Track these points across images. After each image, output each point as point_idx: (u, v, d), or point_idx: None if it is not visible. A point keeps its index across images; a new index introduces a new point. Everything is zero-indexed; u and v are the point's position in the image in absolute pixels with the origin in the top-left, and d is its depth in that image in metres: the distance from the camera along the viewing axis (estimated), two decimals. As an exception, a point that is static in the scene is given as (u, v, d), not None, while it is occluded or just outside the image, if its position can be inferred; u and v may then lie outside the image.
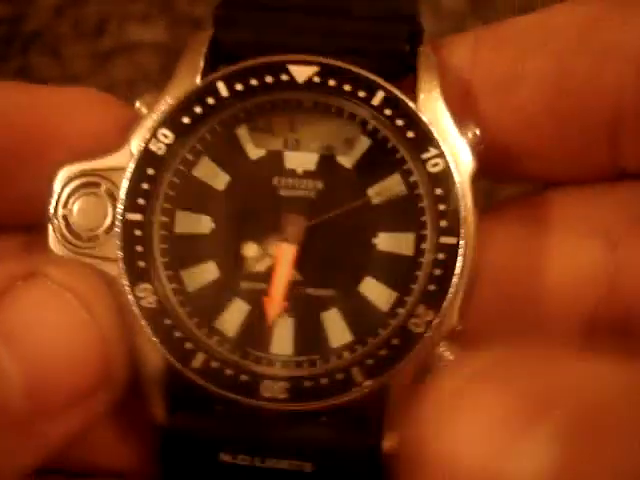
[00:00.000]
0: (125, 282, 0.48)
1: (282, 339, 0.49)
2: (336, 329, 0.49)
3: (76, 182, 0.49)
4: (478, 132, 0.49)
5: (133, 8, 0.93)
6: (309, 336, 0.49)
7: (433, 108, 0.49)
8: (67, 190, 0.49)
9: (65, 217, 0.49)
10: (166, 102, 0.49)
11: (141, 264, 0.48)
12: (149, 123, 0.49)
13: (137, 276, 0.48)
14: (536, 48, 0.49)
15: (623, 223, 0.51)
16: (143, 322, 0.47)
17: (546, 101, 0.49)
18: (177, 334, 0.47)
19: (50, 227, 0.49)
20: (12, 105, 0.51)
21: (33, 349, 0.44)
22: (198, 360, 0.47)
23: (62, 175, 0.49)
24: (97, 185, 0.49)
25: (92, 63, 0.89)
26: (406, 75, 0.51)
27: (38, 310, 0.45)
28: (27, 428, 0.44)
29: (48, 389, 0.44)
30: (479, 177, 0.49)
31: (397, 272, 0.49)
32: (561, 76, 0.48)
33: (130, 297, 0.47)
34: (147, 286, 0.48)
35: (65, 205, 0.49)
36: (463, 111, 0.50)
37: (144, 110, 0.50)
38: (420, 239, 0.48)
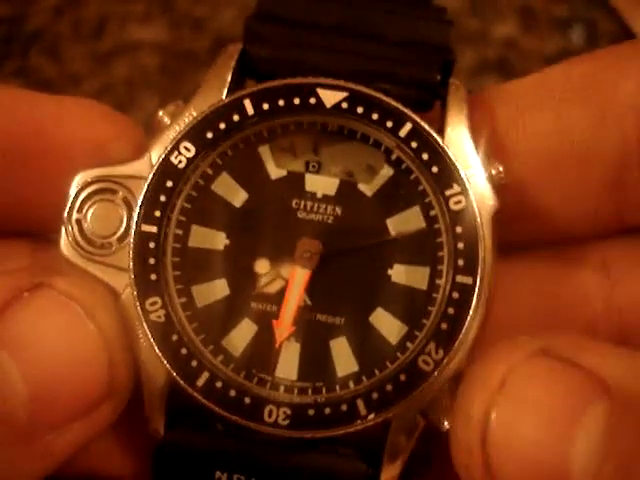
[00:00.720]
0: (135, 294, 0.47)
1: (288, 363, 0.48)
2: (343, 358, 0.48)
3: (92, 187, 0.49)
4: (502, 169, 0.49)
5: (133, 8, 0.93)
6: (315, 363, 0.48)
7: (459, 142, 0.49)
8: (83, 195, 0.49)
9: (79, 221, 0.49)
10: (191, 114, 0.49)
11: (152, 277, 0.48)
12: (171, 134, 0.49)
13: (147, 289, 0.47)
14: (535, 106, 0.50)
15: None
16: (150, 336, 0.47)
17: (548, 157, 0.50)
18: (183, 351, 0.47)
19: (63, 230, 0.49)
20: (11, 113, 0.51)
21: (39, 360, 0.44)
22: (202, 379, 0.47)
23: (79, 180, 0.49)
24: (114, 192, 0.49)
25: (92, 63, 0.89)
26: (432, 105, 0.50)
27: (44, 320, 0.45)
28: (32, 439, 0.44)
29: (53, 400, 0.44)
30: (500, 216, 0.49)
31: (409, 306, 0.48)
32: (562, 131, 0.49)
33: (139, 310, 0.47)
34: (156, 299, 0.47)
35: (80, 210, 0.49)
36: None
37: (167, 120, 0.49)
38: (435, 274, 0.48)
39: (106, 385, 0.46)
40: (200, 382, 0.47)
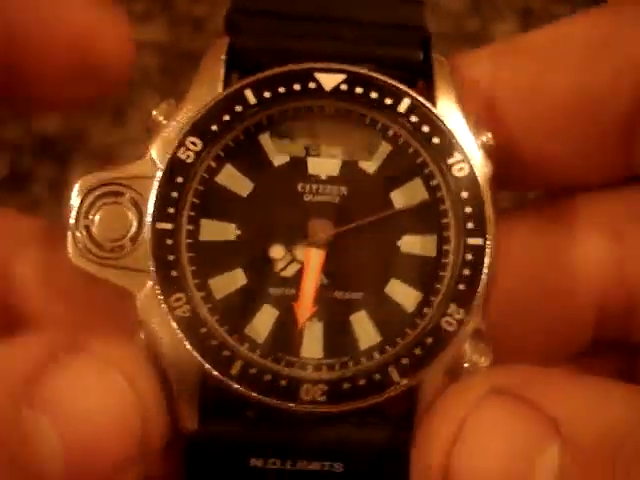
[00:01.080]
0: (158, 292, 0.47)
1: (312, 343, 0.49)
2: (365, 331, 0.50)
3: (97, 192, 0.49)
4: (490, 136, 0.50)
5: (133, 8, 0.93)
6: (338, 339, 0.49)
7: (450, 114, 0.50)
8: (88, 200, 0.49)
9: (87, 227, 0.48)
10: (187, 110, 0.49)
11: (174, 273, 0.48)
12: (173, 133, 0.49)
13: (170, 285, 0.47)
14: (554, 63, 0.51)
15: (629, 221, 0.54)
16: (179, 331, 0.47)
17: (566, 111, 0.51)
18: (213, 342, 0.47)
19: (69, 237, 0.48)
20: None
21: (75, 423, 0.43)
22: (236, 367, 0.47)
23: (82, 185, 0.49)
24: (120, 194, 0.49)
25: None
26: (416, 84, 0.52)
27: (83, 387, 0.44)
28: None
29: (88, 463, 0.44)
30: (498, 184, 0.50)
31: (421, 273, 0.50)
32: (579, 90, 0.50)
33: (164, 307, 0.47)
34: (180, 295, 0.47)
35: (87, 215, 0.49)
36: (486, 121, 0.51)
37: (161, 119, 0.50)
38: (442, 241, 0.50)
39: (141, 448, 0.45)
40: (234, 370, 0.47)
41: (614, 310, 0.55)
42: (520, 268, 0.54)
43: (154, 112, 0.50)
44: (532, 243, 0.55)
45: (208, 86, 0.50)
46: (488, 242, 0.48)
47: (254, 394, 0.47)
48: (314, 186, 0.51)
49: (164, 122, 0.50)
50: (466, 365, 0.48)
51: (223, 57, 0.50)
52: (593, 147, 0.52)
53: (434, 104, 0.50)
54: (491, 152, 0.50)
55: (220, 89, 0.50)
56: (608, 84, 0.50)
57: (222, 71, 0.50)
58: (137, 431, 0.45)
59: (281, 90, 0.50)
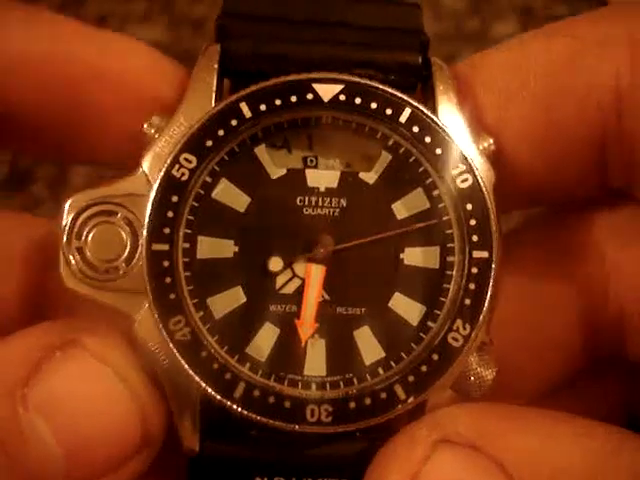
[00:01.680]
0: (156, 316, 0.46)
1: (315, 360, 0.48)
2: (368, 346, 0.49)
3: (89, 212, 0.47)
4: (492, 141, 0.49)
5: (133, 8, 0.93)
6: (342, 355, 0.49)
7: (451, 120, 0.49)
8: (79, 221, 0.47)
9: (80, 249, 0.47)
10: (181, 124, 0.48)
11: (172, 296, 0.46)
12: (166, 148, 0.47)
13: (168, 309, 0.46)
14: (518, 93, 0.50)
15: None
16: (179, 356, 0.46)
17: (534, 143, 0.51)
18: (215, 365, 0.46)
19: (62, 261, 0.47)
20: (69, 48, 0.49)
21: (72, 423, 0.43)
22: (239, 390, 0.46)
23: (73, 204, 0.47)
24: (112, 213, 0.47)
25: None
26: (416, 88, 0.51)
27: (77, 385, 0.44)
28: None
29: (87, 459, 0.44)
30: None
31: (425, 286, 0.49)
32: (545, 123, 0.50)
33: (163, 331, 0.46)
34: (180, 318, 0.46)
35: (79, 237, 0.47)
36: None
37: (153, 132, 0.48)
38: (446, 252, 0.49)
39: (139, 440, 0.45)
40: (237, 393, 0.46)
41: (606, 328, 0.55)
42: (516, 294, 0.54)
43: (145, 125, 0.48)
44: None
45: (200, 98, 0.48)
46: (494, 254, 0.48)
47: (258, 417, 0.46)
48: (313, 199, 0.49)
49: (156, 136, 0.48)
50: (472, 379, 0.48)
51: (215, 66, 0.49)
52: (568, 167, 0.52)
53: (435, 109, 0.49)
54: (493, 158, 0.49)
55: (212, 101, 0.48)
56: (574, 115, 0.50)
57: (214, 81, 0.48)
58: (135, 425, 0.45)
59: (277, 102, 0.48)
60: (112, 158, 0.53)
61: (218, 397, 0.46)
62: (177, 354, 0.46)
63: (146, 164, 0.48)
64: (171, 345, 0.46)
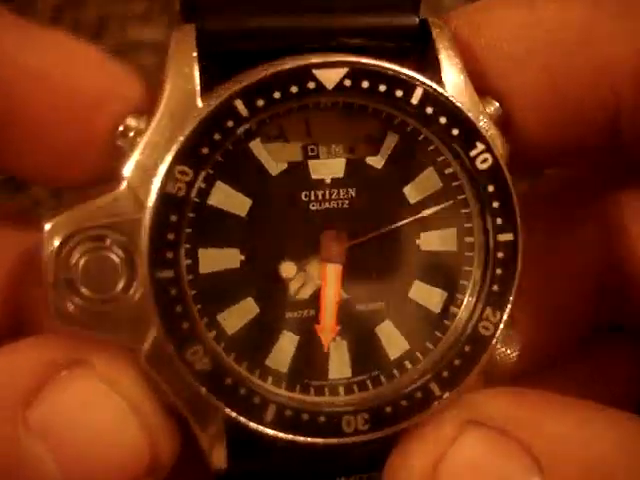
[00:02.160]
0: (172, 350, 0.41)
1: (339, 363, 0.46)
2: (392, 340, 0.47)
3: (75, 239, 0.41)
4: (498, 105, 0.46)
5: (133, 8, 0.93)
6: (366, 353, 0.46)
7: (457, 85, 0.45)
8: (66, 249, 0.41)
9: (70, 281, 0.41)
10: (164, 127, 0.42)
11: (185, 325, 0.42)
12: (151, 156, 0.42)
13: (184, 339, 0.42)
14: (526, 60, 0.47)
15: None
16: (202, 389, 0.42)
17: (543, 111, 0.48)
18: (242, 391, 0.43)
19: (51, 297, 0.41)
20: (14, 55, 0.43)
21: (75, 448, 0.40)
22: (270, 412, 0.43)
23: (56, 231, 0.41)
24: (102, 238, 0.41)
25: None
26: (413, 51, 0.46)
27: (83, 409, 0.41)
28: None
29: None
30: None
31: (445, 270, 0.47)
32: (555, 94, 0.47)
33: (181, 365, 0.42)
34: (197, 348, 0.42)
35: (67, 267, 0.41)
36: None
37: (132, 136, 0.42)
38: (463, 232, 0.46)
39: (148, 465, 0.43)
40: (269, 417, 0.43)
41: (610, 294, 0.54)
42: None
43: (120, 128, 0.42)
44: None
45: (182, 93, 0.42)
46: (519, 236, 0.45)
47: (294, 437, 0.43)
48: (319, 192, 0.45)
49: (136, 140, 0.42)
50: (497, 358, 0.47)
51: (194, 54, 0.42)
52: (579, 138, 0.49)
53: (439, 73, 0.45)
54: (502, 124, 0.46)
55: (197, 97, 0.42)
56: (586, 89, 0.47)
57: (195, 71, 0.42)
58: (143, 453, 0.42)
59: (276, 96, 0.42)
60: (41, 172, 0.47)
61: (251, 424, 0.43)
62: (200, 387, 0.42)
63: (129, 176, 0.42)
64: (191, 378, 0.42)
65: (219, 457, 0.44)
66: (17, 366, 0.41)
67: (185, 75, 0.42)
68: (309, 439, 0.43)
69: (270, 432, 0.43)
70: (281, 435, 0.43)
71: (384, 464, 0.45)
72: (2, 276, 0.48)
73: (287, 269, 0.45)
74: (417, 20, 0.45)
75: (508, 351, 0.48)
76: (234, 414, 0.42)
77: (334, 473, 0.47)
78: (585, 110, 0.47)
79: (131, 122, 0.42)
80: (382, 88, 0.44)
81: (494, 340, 0.45)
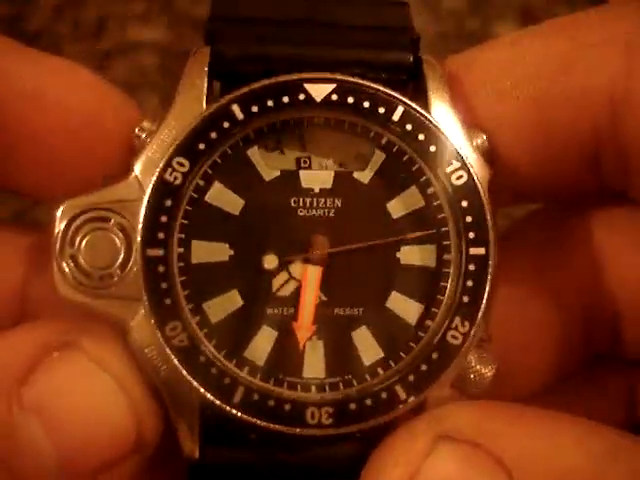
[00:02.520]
0: (153, 322, 0.45)
1: (314, 362, 0.48)
2: (367, 347, 0.49)
3: (81, 218, 0.46)
4: (485, 138, 0.49)
5: (133, 8, 0.93)
6: (340, 356, 0.48)
7: (444, 117, 0.49)
8: (72, 227, 0.46)
9: (73, 257, 0.46)
10: (172, 127, 0.47)
11: (167, 301, 0.46)
12: (158, 152, 0.47)
13: (165, 314, 0.46)
14: (513, 92, 0.50)
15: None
16: (177, 362, 0.45)
17: (527, 144, 0.50)
18: (213, 371, 0.46)
19: (55, 268, 0.46)
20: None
21: (67, 426, 0.43)
22: (239, 394, 0.46)
23: (66, 211, 0.46)
24: (105, 219, 0.47)
25: (92, 63, 0.89)
26: (407, 85, 0.51)
27: (74, 388, 0.44)
28: None
29: (80, 461, 0.44)
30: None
31: (422, 284, 0.49)
32: (539, 124, 0.50)
33: (160, 338, 0.45)
34: (176, 324, 0.46)
35: (72, 244, 0.46)
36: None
37: (145, 137, 0.48)
38: (442, 250, 0.49)
39: (132, 444, 0.45)
40: (237, 398, 0.46)
41: (602, 325, 0.55)
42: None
43: (136, 130, 0.48)
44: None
45: (191, 101, 0.48)
46: (491, 251, 0.47)
47: (258, 421, 0.45)
48: (308, 200, 0.49)
49: (147, 140, 0.47)
50: (472, 376, 0.48)
51: (205, 69, 0.48)
52: (561, 168, 0.51)
53: (427, 107, 0.49)
54: (487, 155, 0.49)
55: (203, 103, 0.48)
56: (567, 118, 0.49)
57: (205, 84, 0.48)
58: (130, 429, 0.44)
59: (269, 104, 0.47)
60: (36, 188, 0.51)
61: (217, 402, 0.45)
62: (175, 360, 0.45)
63: (138, 169, 0.47)
64: (168, 351, 0.45)
65: (192, 446, 0.47)
66: (12, 349, 0.45)
67: (195, 86, 0.48)
68: (271, 425, 0.45)
69: (235, 413, 0.45)
70: (245, 417, 0.45)
71: (356, 474, 0.46)
72: (8, 273, 0.53)
73: (270, 260, 0.49)
74: (411, 58, 0.50)
75: (483, 370, 0.48)
76: (202, 390, 0.45)
77: (303, 473, 0.48)
78: (568, 140, 0.50)
79: (146, 125, 0.48)
80: (366, 104, 0.48)
81: (463, 350, 0.47)
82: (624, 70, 0.48)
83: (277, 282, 0.49)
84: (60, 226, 0.46)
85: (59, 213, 0.46)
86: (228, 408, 0.45)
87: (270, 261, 0.48)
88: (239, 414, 0.45)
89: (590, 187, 0.53)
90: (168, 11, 0.92)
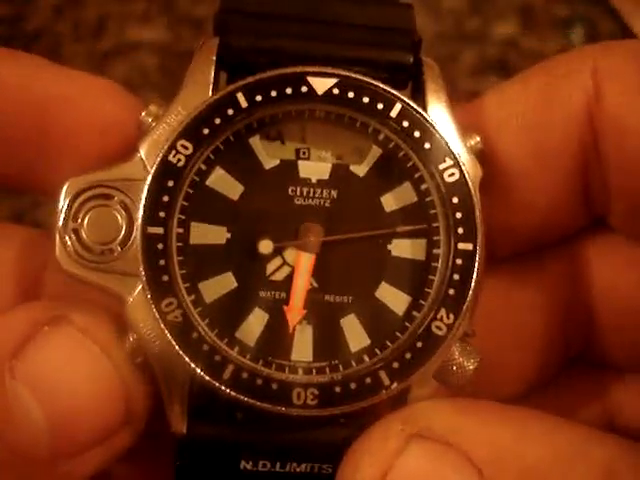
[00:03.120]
0: (149, 297, 0.47)
1: (302, 346, 0.50)
2: (354, 334, 0.50)
3: (86, 194, 0.48)
4: (479, 139, 0.51)
5: (133, 8, 0.93)
6: (328, 342, 0.50)
7: (440, 117, 0.51)
8: (77, 203, 0.48)
9: (76, 231, 0.48)
10: (179, 112, 0.49)
11: (164, 278, 0.47)
12: (163, 135, 0.49)
13: (161, 290, 0.47)
14: (502, 128, 0.52)
15: None
16: (170, 337, 0.47)
17: (522, 178, 0.53)
18: (205, 347, 0.47)
19: (58, 241, 0.48)
20: (18, 87, 0.50)
21: (58, 396, 0.45)
22: (228, 372, 0.47)
23: (71, 187, 0.48)
24: (109, 197, 0.48)
25: (92, 63, 0.89)
26: (407, 85, 0.53)
27: (63, 358, 0.45)
28: (53, 467, 0.45)
29: (72, 432, 0.45)
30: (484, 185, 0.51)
31: (411, 277, 0.50)
32: (532, 156, 0.52)
33: (155, 312, 0.47)
34: (172, 300, 0.47)
35: (75, 218, 0.48)
36: None
37: (151, 121, 0.49)
38: (432, 244, 0.50)
39: (123, 415, 0.47)
40: (226, 375, 0.47)
41: (576, 328, 0.57)
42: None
43: (143, 113, 0.49)
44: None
45: (198, 88, 0.49)
46: (478, 247, 0.49)
47: (246, 398, 0.47)
48: (305, 189, 0.51)
49: (153, 124, 0.49)
50: (454, 368, 0.49)
51: (213, 58, 0.50)
52: (559, 200, 0.53)
53: (425, 107, 0.51)
54: (480, 156, 0.51)
55: (209, 91, 0.49)
56: (557, 147, 0.52)
57: (212, 72, 0.50)
58: (118, 397, 0.46)
59: (273, 94, 0.49)
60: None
61: (207, 378, 0.47)
62: (168, 335, 0.47)
63: (143, 150, 0.49)
64: (162, 326, 0.47)
65: (180, 422, 0.48)
66: (5, 327, 0.46)
67: (203, 73, 0.50)
68: (258, 403, 0.47)
69: (224, 389, 0.47)
70: (233, 394, 0.47)
71: (339, 459, 0.47)
72: (15, 269, 0.54)
73: (265, 246, 0.50)
74: (412, 59, 0.52)
75: (465, 363, 0.49)
76: (193, 365, 0.47)
77: (287, 454, 0.49)
78: (560, 164, 0.52)
79: (152, 109, 0.50)
80: (365, 100, 0.50)
81: (447, 341, 0.48)
82: (593, 94, 0.50)
83: (271, 267, 0.50)
84: (65, 201, 0.48)
85: (64, 188, 0.48)
86: (217, 384, 0.47)
87: (265, 246, 0.50)
88: (227, 390, 0.47)
89: (583, 222, 0.55)
90: (168, 11, 0.92)
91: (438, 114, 0.51)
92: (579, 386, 0.60)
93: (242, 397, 0.47)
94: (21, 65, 0.51)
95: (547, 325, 0.57)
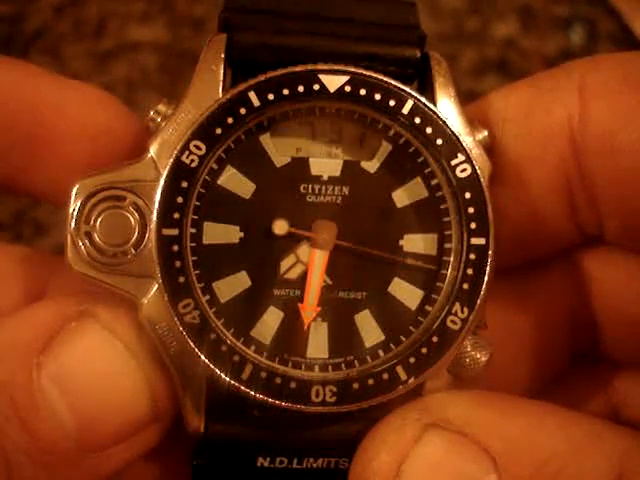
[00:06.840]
0: (166, 299, 0.47)
1: (317, 343, 0.50)
2: (369, 330, 0.50)
3: (98, 197, 0.48)
4: (487, 133, 0.51)
5: (133, 8, 0.93)
6: (343, 338, 0.50)
7: (448, 111, 0.51)
8: (88, 205, 0.48)
9: (88, 234, 0.48)
10: (188, 112, 0.49)
11: (181, 279, 0.47)
12: (174, 134, 0.48)
13: (178, 292, 0.47)
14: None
15: None
16: (188, 339, 0.47)
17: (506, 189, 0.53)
18: (223, 348, 0.47)
19: (69, 243, 0.47)
20: (10, 93, 0.51)
21: (84, 393, 0.45)
22: (247, 372, 0.47)
23: (81, 189, 0.48)
24: (121, 198, 0.48)
25: (92, 63, 0.89)
26: (414, 80, 0.53)
27: (90, 356, 0.46)
28: (80, 462, 0.46)
29: (98, 429, 0.46)
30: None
31: (423, 272, 0.51)
32: (514, 166, 0.53)
33: (172, 314, 0.47)
34: (189, 301, 0.47)
35: (87, 221, 0.48)
36: None
37: (159, 120, 0.49)
38: (444, 239, 0.51)
39: (149, 412, 0.47)
40: (245, 375, 0.47)
41: (583, 329, 0.58)
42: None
43: (151, 112, 0.49)
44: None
45: (207, 86, 0.49)
46: (490, 241, 0.49)
47: (267, 398, 0.47)
48: (316, 186, 0.51)
49: (163, 124, 0.49)
50: (467, 360, 0.49)
51: (222, 55, 0.50)
52: (544, 214, 0.54)
53: (434, 101, 0.51)
54: (490, 150, 0.51)
55: (220, 89, 0.49)
56: (537, 158, 0.52)
57: (221, 70, 0.50)
58: (145, 398, 0.47)
59: (285, 92, 0.49)
60: (53, 191, 0.54)
61: (227, 379, 0.47)
62: (186, 337, 0.47)
63: (154, 150, 0.48)
64: (181, 328, 0.47)
65: (198, 421, 0.48)
66: (32, 321, 0.47)
67: (212, 71, 0.50)
68: (277, 402, 0.47)
69: (244, 389, 0.47)
70: (253, 393, 0.47)
71: (351, 453, 0.48)
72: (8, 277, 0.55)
73: (280, 226, 0.50)
74: (419, 54, 0.52)
75: (478, 355, 0.50)
76: (212, 366, 0.47)
77: (304, 450, 0.50)
78: (540, 175, 0.53)
79: (161, 108, 0.49)
80: (377, 97, 0.50)
81: (462, 335, 0.49)
82: (577, 108, 0.51)
83: (285, 265, 0.50)
84: (76, 203, 0.48)
85: (74, 191, 0.48)
86: (237, 384, 0.47)
87: (280, 227, 0.50)
88: (249, 391, 0.47)
89: (573, 235, 0.56)
90: (168, 11, 0.92)
91: (447, 108, 0.51)
92: (584, 380, 0.61)
93: (262, 397, 0.47)
94: (15, 72, 0.52)
95: (552, 335, 0.58)
